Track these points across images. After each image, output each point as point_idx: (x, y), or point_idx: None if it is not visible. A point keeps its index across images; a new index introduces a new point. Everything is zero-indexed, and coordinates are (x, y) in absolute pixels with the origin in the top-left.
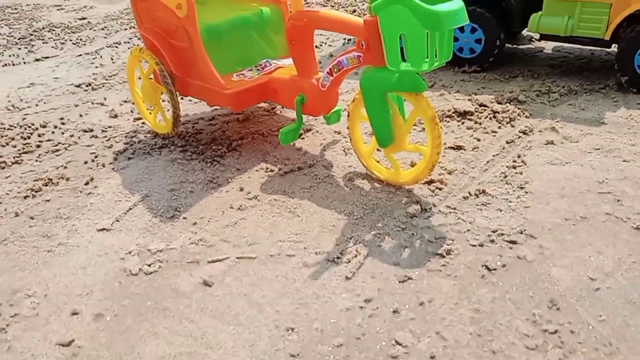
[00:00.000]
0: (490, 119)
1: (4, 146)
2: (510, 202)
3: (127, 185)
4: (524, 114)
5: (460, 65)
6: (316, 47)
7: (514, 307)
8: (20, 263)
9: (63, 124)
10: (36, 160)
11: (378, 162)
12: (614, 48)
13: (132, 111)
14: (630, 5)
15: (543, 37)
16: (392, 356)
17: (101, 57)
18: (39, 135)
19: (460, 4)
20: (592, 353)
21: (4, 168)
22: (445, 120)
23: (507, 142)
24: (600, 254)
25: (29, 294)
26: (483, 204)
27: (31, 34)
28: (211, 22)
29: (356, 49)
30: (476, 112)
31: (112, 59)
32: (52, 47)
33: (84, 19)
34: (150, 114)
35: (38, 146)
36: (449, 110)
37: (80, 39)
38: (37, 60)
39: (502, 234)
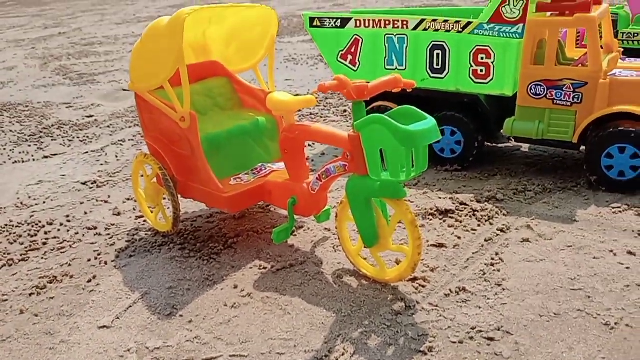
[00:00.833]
0: (470, 217)
1: (11, 243)
2: (488, 299)
3: (127, 283)
4: (501, 212)
5: (442, 164)
6: (310, 145)
7: None
8: (20, 358)
9: (69, 221)
10: (42, 258)
11: (365, 259)
12: (584, 148)
13: (134, 209)
14: (593, 113)
15: (517, 139)
16: None
17: (106, 154)
18: (46, 233)
19: (433, 122)
20: None
21: (11, 265)
22: (428, 219)
23: (486, 240)
24: (572, 350)
25: None
26: (463, 301)
27: (41, 131)
28: (211, 132)
29: (342, 159)
30: (457, 210)
31: (116, 157)
32: (60, 144)
33: (91, 116)
34: (152, 213)
35: (44, 243)
36: (431, 209)
37: (87, 137)
38: (46, 157)
39: (481, 331)
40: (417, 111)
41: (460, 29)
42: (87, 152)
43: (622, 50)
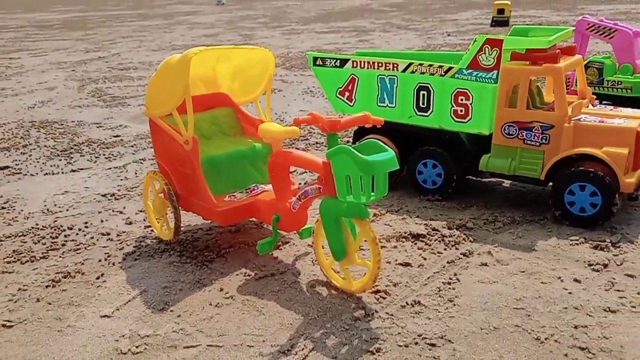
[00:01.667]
0: (439, 241)
1: (35, 243)
2: (438, 312)
3: (129, 281)
4: (468, 238)
5: (425, 194)
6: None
7: None
8: (35, 339)
9: (86, 227)
10: (60, 257)
11: (337, 272)
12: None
13: (144, 219)
14: (558, 153)
15: (492, 174)
16: None
17: (127, 171)
18: (65, 236)
19: (391, 154)
20: None
21: (33, 261)
22: (402, 241)
23: (448, 262)
24: (501, 358)
25: None
26: (416, 313)
27: (72, 148)
28: (212, 154)
29: (317, 182)
30: (428, 235)
31: (135, 173)
32: (88, 160)
33: (118, 136)
34: (158, 223)
35: (63, 245)
36: (405, 233)
37: (112, 154)
38: (73, 171)
39: (425, 338)
40: (381, 144)
41: (443, 73)
42: (110, 168)
43: (595, 97)
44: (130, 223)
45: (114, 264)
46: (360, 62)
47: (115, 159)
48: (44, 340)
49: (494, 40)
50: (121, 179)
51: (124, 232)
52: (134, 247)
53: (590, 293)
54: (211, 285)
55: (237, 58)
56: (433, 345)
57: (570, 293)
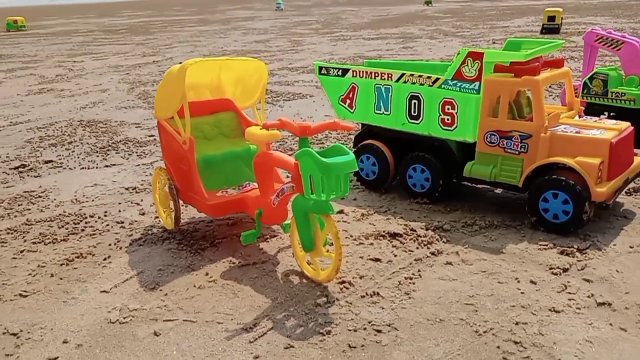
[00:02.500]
0: (414, 241)
1: (59, 228)
2: (393, 303)
3: (130, 263)
4: (442, 239)
5: (414, 197)
6: None
7: None
8: (43, 307)
9: (105, 216)
10: (77, 240)
11: (309, 264)
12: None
13: (155, 211)
14: (536, 161)
15: (475, 181)
16: None
17: (152, 167)
18: (86, 223)
19: (351, 157)
20: None
21: (54, 243)
22: (379, 239)
23: (416, 260)
24: (437, 346)
25: (41, 327)
26: (373, 302)
27: (110, 145)
28: (209, 153)
29: (292, 181)
30: (405, 234)
31: None
32: (121, 157)
33: (152, 136)
34: (164, 214)
35: (82, 230)
36: (384, 231)
37: (144, 152)
38: (107, 166)
39: (374, 325)
40: (344, 148)
41: (431, 83)
42: (138, 165)
43: (583, 108)
44: (144, 214)
45: (121, 248)
46: (360, 72)
47: (145, 157)
48: (50, 309)
49: (476, 53)
50: (146, 175)
51: (136, 221)
52: (141, 234)
53: (542, 294)
54: (199, 270)
55: (238, 67)
56: (379, 331)
57: (522, 293)
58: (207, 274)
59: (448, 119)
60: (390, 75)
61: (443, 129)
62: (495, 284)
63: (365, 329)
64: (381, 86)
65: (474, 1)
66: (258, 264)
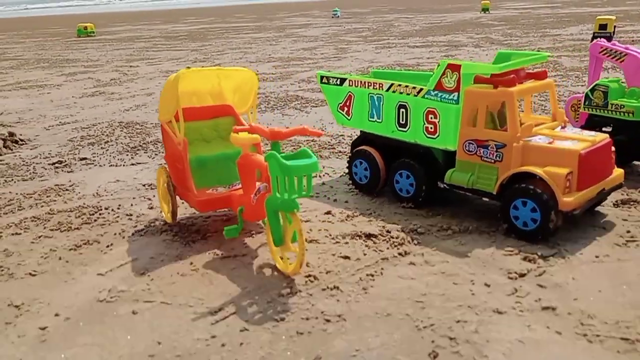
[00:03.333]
0: (386, 242)
1: (76, 218)
2: (349, 297)
3: (128, 251)
4: (413, 242)
5: (401, 201)
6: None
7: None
8: (46, 285)
9: (118, 208)
10: (88, 229)
11: (282, 258)
12: None
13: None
14: (510, 169)
15: (455, 187)
16: None
17: None
18: (100, 214)
19: (314, 160)
20: None
21: (69, 231)
22: (355, 239)
23: (382, 259)
24: (377, 337)
25: (40, 301)
26: (331, 295)
27: (140, 146)
28: (203, 154)
29: (264, 181)
30: (379, 235)
31: None
32: (148, 156)
33: None
34: (165, 208)
35: (95, 220)
36: (361, 232)
37: None
38: (133, 164)
39: (325, 314)
40: (309, 152)
41: (416, 93)
42: (160, 164)
43: (567, 120)
44: (152, 208)
45: (124, 237)
46: (355, 81)
47: None
48: (51, 287)
49: (454, 65)
50: None
51: (144, 214)
52: (144, 226)
53: (491, 296)
54: (186, 259)
55: (236, 76)
56: (328, 321)
57: (472, 294)
58: (191, 263)
59: (431, 128)
60: (381, 85)
61: (427, 137)
62: (450, 285)
63: (316, 318)
64: (374, 95)
65: (534, 8)
66: (239, 256)
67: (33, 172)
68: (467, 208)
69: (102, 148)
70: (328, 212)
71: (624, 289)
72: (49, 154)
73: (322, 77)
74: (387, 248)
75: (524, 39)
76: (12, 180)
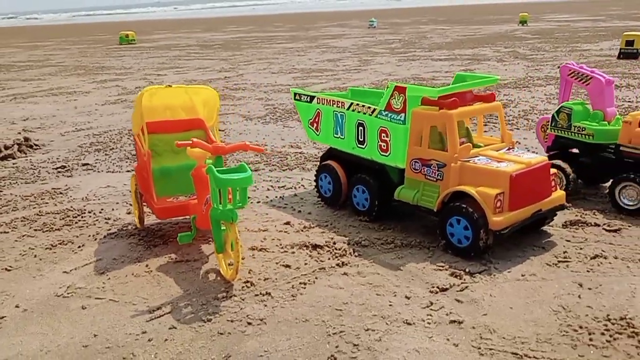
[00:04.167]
0: (329, 252)
1: (60, 220)
2: (277, 302)
3: (96, 252)
4: (354, 254)
5: (357, 215)
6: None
7: (206, 352)
8: (16, 280)
9: (100, 213)
10: (67, 230)
11: (231, 264)
12: None
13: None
14: (449, 187)
15: (403, 203)
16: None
17: None
18: (82, 217)
19: (248, 174)
20: None
21: (50, 231)
22: (302, 249)
23: (320, 269)
24: (288, 340)
25: (7, 294)
26: (260, 300)
27: None
28: (167, 165)
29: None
30: (325, 246)
31: None
32: None
33: None
34: (136, 213)
35: (76, 223)
36: (309, 242)
37: None
38: (128, 171)
39: (250, 317)
40: (245, 167)
41: (370, 113)
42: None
43: (515, 142)
44: (129, 213)
45: (96, 239)
46: (322, 99)
47: None
48: (20, 281)
49: (400, 88)
50: None
51: (120, 219)
52: (117, 229)
53: (407, 308)
54: (143, 262)
55: (202, 93)
56: (250, 323)
57: (390, 305)
58: (147, 266)
59: (384, 146)
60: (343, 104)
61: (381, 155)
62: (373, 295)
63: (240, 320)
64: (338, 113)
65: (575, 21)
66: (190, 261)
67: (37, 176)
68: (417, 223)
69: (105, 154)
70: (287, 223)
71: (535, 307)
72: (56, 159)
73: (295, 94)
74: (328, 259)
75: (549, 54)
76: (16, 182)
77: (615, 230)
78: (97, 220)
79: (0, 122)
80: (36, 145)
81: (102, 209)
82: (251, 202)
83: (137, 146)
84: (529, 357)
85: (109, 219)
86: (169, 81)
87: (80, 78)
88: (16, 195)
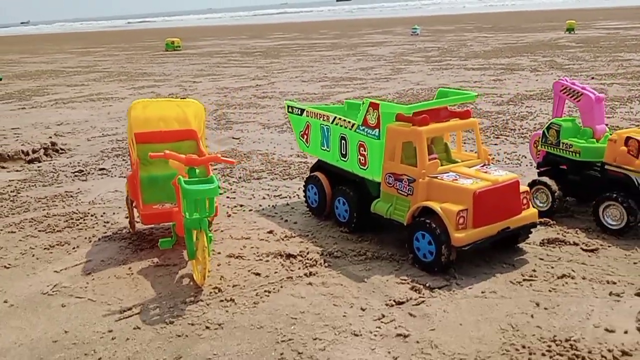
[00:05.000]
0: (299, 262)
1: (65, 222)
2: (238, 308)
3: (88, 254)
4: (324, 264)
5: (339, 226)
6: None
7: (160, 352)
8: (12, 276)
9: (101, 216)
10: (67, 232)
11: (205, 269)
12: None
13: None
14: (417, 202)
15: (379, 216)
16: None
17: None
18: (84, 220)
19: (214, 186)
20: None
21: (53, 232)
22: (277, 257)
23: (288, 277)
24: (238, 345)
25: (0, 290)
26: (224, 306)
27: None
28: (155, 173)
29: None
30: (298, 256)
31: None
32: None
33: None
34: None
35: (77, 225)
36: (283, 252)
37: None
38: None
39: (209, 322)
40: (213, 178)
41: (350, 127)
42: None
43: (491, 158)
44: (127, 217)
45: (91, 241)
46: (310, 112)
47: None
48: (15, 279)
49: (374, 104)
50: None
51: (117, 222)
52: (112, 232)
53: (359, 319)
54: (127, 264)
55: (191, 105)
56: (208, 327)
57: (344, 316)
58: (129, 268)
59: (362, 159)
60: (328, 117)
61: (360, 168)
62: (330, 306)
63: (200, 324)
64: (324, 126)
65: (626, 28)
66: (170, 266)
67: (54, 179)
68: (394, 237)
69: (123, 160)
70: (270, 232)
71: (484, 325)
72: (77, 163)
73: (288, 107)
74: (299, 268)
75: (587, 64)
76: (35, 185)
77: (592, 250)
78: (96, 223)
79: (36, 126)
80: (62, 149)
81: (104, 213)
82: (243, 210)
83: (130, 155)
84: None
85: (107, 222)
86: (201, 89)
87: (120, 84)
88: (31, 197)
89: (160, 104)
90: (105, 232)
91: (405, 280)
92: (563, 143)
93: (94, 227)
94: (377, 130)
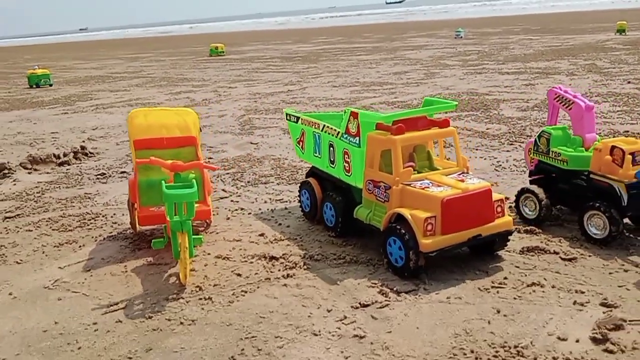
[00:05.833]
0: (280, 264)
1: (77, 222)
2: (213, 306)
3: (91, 252)
4: (303, 267)
5: (327, 230)
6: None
7: (133, 343)
8: (21, 272)
9: (111, 218)
10: (77, 232)
11: (192, 269)
12: None
13: None
14: (392, 208)
15: (360, 221)
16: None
17: None
18: (94, 220)
19: (192, 190)
20: None
21: (64, 231)
22: (261, 259)
23: (266, 279)
24: (205, 340)
25: (8, 283)
26: (201, 304)
27: None
28: (153, 178)
29: None
30: (280, 258)
31: None
32: None
33: (211, 158)
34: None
35: (87, 225)
36: (268, 254)
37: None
38: None
39: (183, 319)
40: (193, 183)
41: (336, 135)
42: None
43: (468, 166)
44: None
45: (97, 240)
46: (304, 120)
47: None
48: (23, 273)
49: (354, 113)
50: None
51: (123, 223)
52: (117, 232)
53: (322, 320)
54: (124, 262)
55: (191, 114)
56: (182, 323)
57: (309, 317)
58: (125, 266)
59: (347, 166)
60: (318, 125)
61: (345, 175)
62: (299, 307)
63: (176, 320)
64: (316, 133)
65: None
66: (162, 265)
67: (78, 181)
68: (376, 242)
69: None
70: (262, 234)
71: (440, 329)
72: (102, 166)
73: (286, 115)
74: (279, 270)
75: (629, 67)
76: (59, 186)
77: (570, 259)
78: (105, 223)
79: (74, 130)
80: (91, 153)
81: (114, 214)
82: (242, 214)
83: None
84: None
85: (115, 223)
86: (235, 94)
87: (160, 89)
88: (53, 198)
89: (160, 113)
90: (111, 232)
91: (375, 284)
92: (552, 151)
93: (102, 227)
94: (357, 138)
